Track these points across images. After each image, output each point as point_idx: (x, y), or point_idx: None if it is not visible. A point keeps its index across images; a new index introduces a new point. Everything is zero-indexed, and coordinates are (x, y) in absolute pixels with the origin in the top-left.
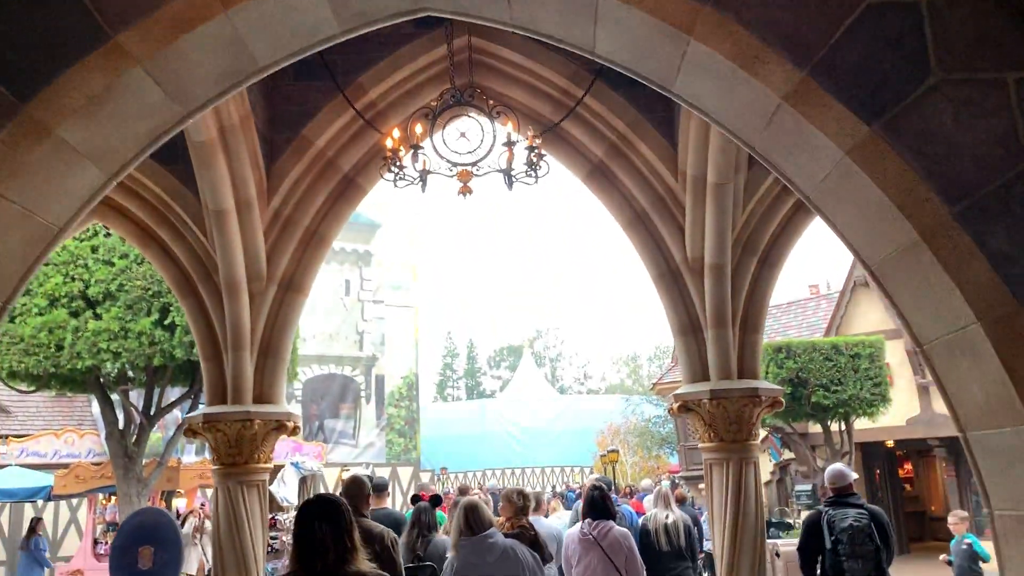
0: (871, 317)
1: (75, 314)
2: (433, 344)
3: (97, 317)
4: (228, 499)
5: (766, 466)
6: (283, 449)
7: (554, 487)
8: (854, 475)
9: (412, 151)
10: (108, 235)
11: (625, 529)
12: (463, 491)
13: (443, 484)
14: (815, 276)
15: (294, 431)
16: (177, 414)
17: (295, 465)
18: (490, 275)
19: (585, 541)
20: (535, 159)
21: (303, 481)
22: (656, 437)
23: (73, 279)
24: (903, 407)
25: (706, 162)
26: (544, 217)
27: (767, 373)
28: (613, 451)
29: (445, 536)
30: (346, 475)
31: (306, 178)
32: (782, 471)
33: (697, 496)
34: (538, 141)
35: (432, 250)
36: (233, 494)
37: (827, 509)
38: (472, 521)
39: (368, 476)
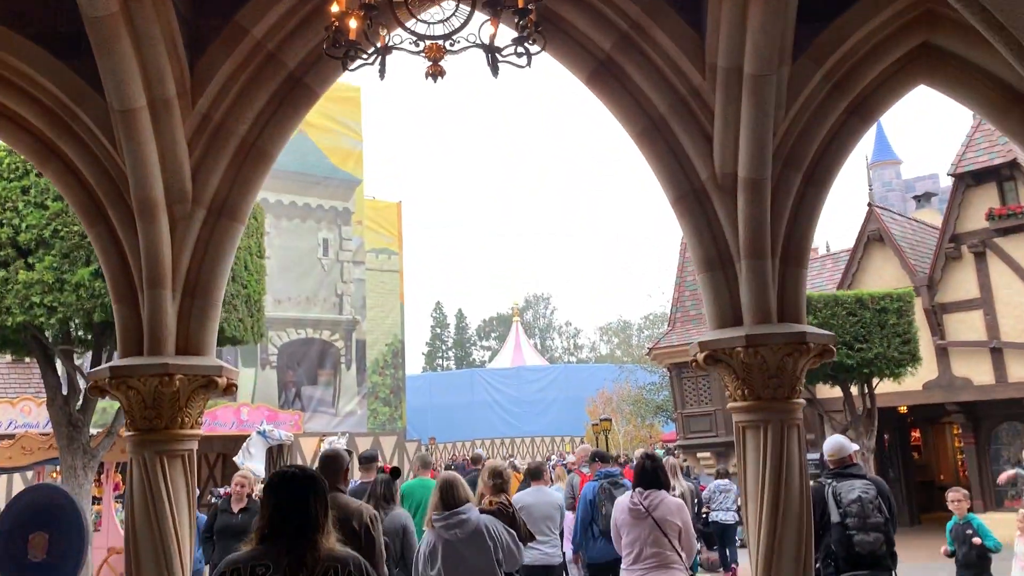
0: (885, 274)
1: (4, 264)
2: (419, 310)
3: (29, 267)
4: (144, 473)
5: None
6: (258, 417)
7: (563, 455)
8: (854, 447)
9: (365, 14)
10: (40, 175)
11: (680, 500)
12: (476, 460)
13: (432, 455)
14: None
15: (229, 389)
16: None
17: (262, 434)
18: (477, 236)
19: (635, 512)
20: (529, 28)
21: (271, 452)
22: (651, 405)
23: (1, 224)
24: (919, 370)
25: (743, 48)
26: (536, 173)
27: None
28: (605, 420)
29: (401, 510)
30: (325, 445)
31: (241, 75)
32: None
33: (695, 465)
34: (532, 6)
35: (416, 210)
36: (151, 467)
37: (831, 481)
38: (447, 497)
39: (347, 449)
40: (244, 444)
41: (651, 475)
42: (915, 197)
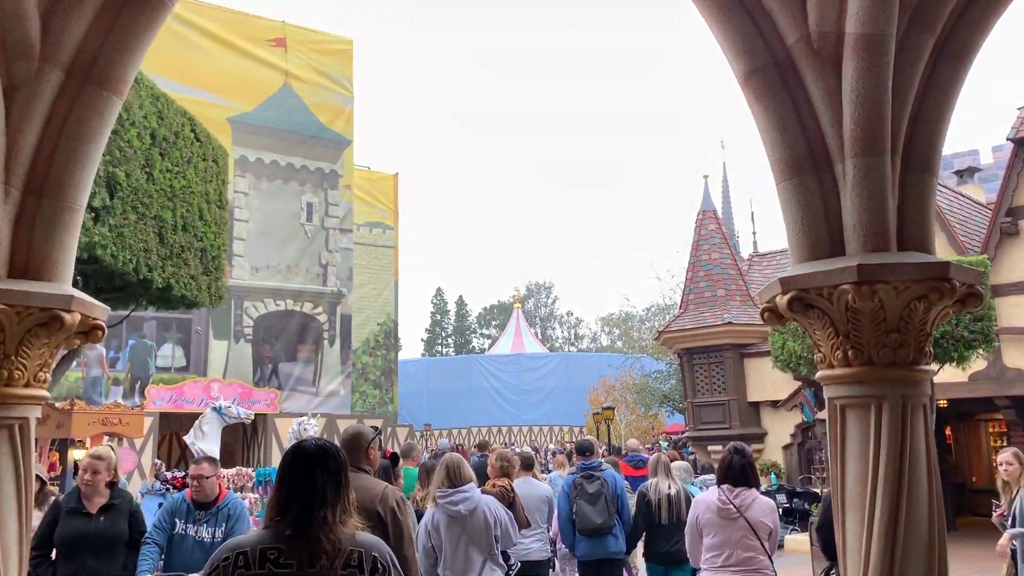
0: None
1: None
2: (419, 294)
3: None
4: None
5: (786, 427)
6: (231, 395)
7: (562, 444)
8: None
9: None
10: None
11: (771, 500)
12: (482, 447)
13: (427, 441)
14: None
15: (91, 334)
16: (101, 349)
17: (217, 411)
18: (478, 217)
19: (725, 511)
20: None
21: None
22: (656, 394)
23: None
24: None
25: None
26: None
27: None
28: (608, 408)
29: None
30: (293, 427)
31: None
32: (803, 433)
33: (706, 459)
34: None
35: (418, 185)
36: None
37: None
38: (453, 475)
39: (374, 426)
40: (197, 422)
41: (739, 471)
42: (956, 172)
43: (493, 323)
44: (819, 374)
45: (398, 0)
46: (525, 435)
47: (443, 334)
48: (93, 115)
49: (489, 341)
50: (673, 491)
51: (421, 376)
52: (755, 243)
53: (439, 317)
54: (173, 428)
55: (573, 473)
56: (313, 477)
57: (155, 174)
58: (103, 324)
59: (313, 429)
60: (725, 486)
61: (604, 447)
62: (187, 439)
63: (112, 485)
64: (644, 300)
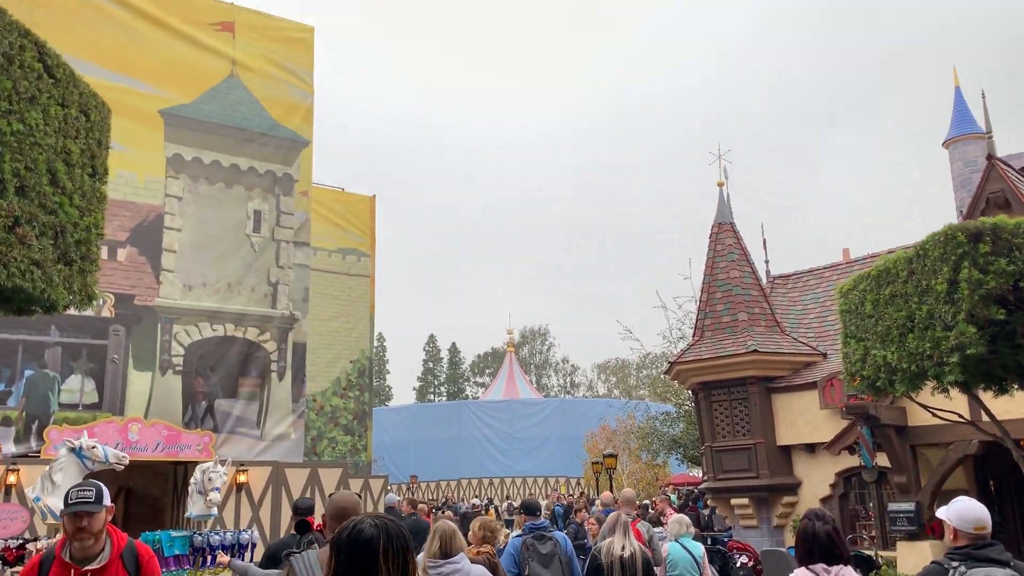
0: None
1: None
2: (410, 342)
3: None
4: None
5: (825, 475)
6: (153, 438)
7: (558, 497)
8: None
9: None
10: None
11: None
12: (413, 504)
13: (413, 494)
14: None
15: None
16: None
17: (76, 452)
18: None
19: None
20: None
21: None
22: (665, 439)
23: None
24: None
25: None
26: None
27: (958, 280)
28: (610, 456)
29: None
30: (202, 475)
31: None
32: (846, 483)
33: (728, 515)
34: None
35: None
36: None
37: (957, 565)
38: (446, 547)
39: (357, 494)
40: (47, 469)
41: (827, 542)
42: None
43: (487, 371)
44: None
45: None
46: (519, 487)
47: (435, 382)
48: None
49: (484, 390)
50: (627, 552)
51: (408, 424)
52: (767, 265)
53: (431, 365)
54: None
55: (520, 535)
56: (375, 568)
57: None
58: None
59: (221, 478)
60: (820, 565)
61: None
62: (30, 494)
63: None
64: (648, 331)
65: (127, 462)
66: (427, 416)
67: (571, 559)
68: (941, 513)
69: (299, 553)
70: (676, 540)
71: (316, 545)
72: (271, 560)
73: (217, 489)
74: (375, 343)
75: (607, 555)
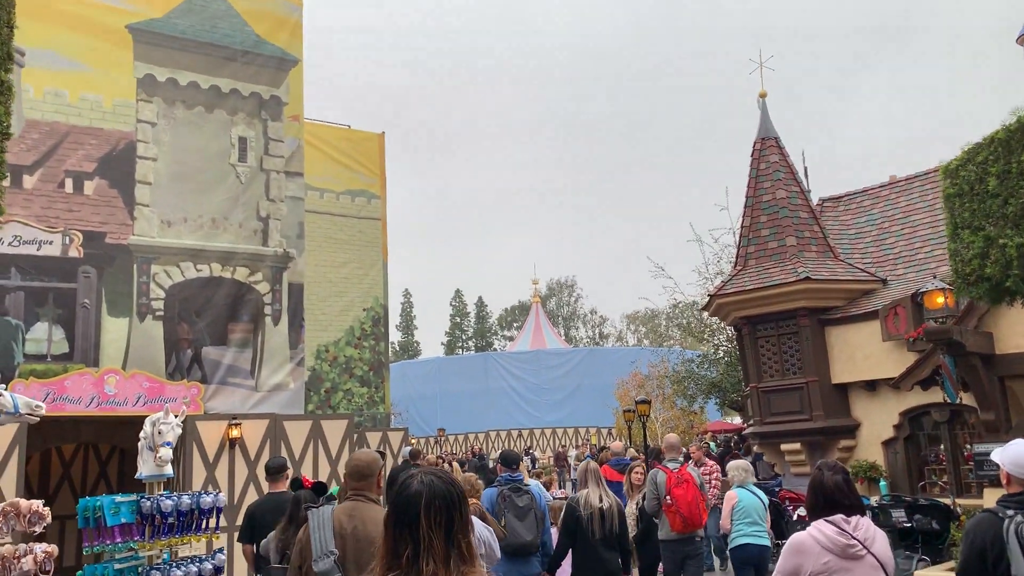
0: None
1: None
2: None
3: None
4: None
5: (888, 415)
6: (132, 390)
7: (590, 448)
8: None
9: None
10: None
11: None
12: (415, 456)
13: (440, 447)
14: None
15: None
16: None
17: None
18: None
19: (849, 549)
20: None
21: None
22: (702, 383)
23: None
24: None
25: None
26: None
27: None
28: (643, 402)
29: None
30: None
31: None
32: (912, 424)
33: (777, 462)
34: None
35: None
36: None
37: (1013, 515)
38: None
39: (379, 451)
40: None
41: (847, 492)
42: None
43: (515, 324)
44: None
45: None
46: (548, 438)
47: (463, 337)
48: None
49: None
50: (605, 504)
51: (434, 377)
52: (807, 185)
53: (459, 320)
54: (52, 441)
55: (497, 486)
56: (416, 523)
57: None
58: None
59: (173, 431)
60: (838, 516)
61: (629, 447)
62: None
63: None
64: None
65: (42, 413)
66: (453, 368)
67: (545, 514)
68: (995, 456)
69: (316, 508)
70: (742, 486)
71: (335, 501)
72: (390, 483)
73: (168, 444)
74: (402, 299)
75: (585, 506)
